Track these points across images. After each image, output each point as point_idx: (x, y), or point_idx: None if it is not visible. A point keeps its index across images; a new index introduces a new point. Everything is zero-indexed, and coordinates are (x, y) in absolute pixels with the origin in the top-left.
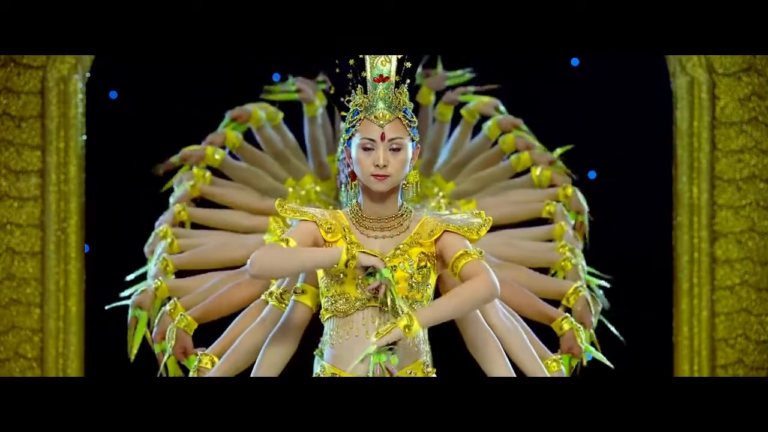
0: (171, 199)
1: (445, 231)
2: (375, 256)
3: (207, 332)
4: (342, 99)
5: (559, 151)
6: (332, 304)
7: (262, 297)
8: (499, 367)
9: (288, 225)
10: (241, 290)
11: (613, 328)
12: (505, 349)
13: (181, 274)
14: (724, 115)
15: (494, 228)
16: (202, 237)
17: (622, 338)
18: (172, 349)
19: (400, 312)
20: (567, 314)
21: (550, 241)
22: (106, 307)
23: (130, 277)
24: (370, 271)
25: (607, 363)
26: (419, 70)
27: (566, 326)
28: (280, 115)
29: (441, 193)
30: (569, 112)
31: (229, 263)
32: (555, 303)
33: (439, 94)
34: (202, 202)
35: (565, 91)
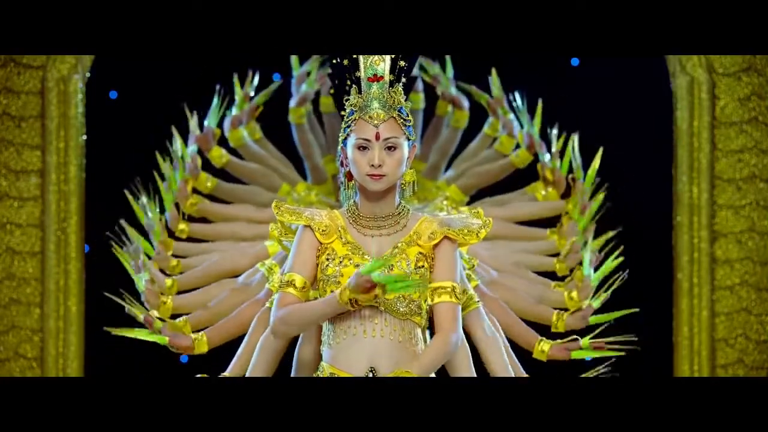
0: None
1: (445, 237)
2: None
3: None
4: (344, 98)
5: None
6: None
7: (267, 305)
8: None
9: (286, 228)
10: (252, 309)
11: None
12: (483, 357)
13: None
14: (724, 115)
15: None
16: (202, 252)
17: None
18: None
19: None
20: (542, 338)
21: (554, 255)
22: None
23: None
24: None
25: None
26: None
27: (546, 347)
28: (258, 133)
29: (444, 194)
30: (569, 113)
31: (233, 273)
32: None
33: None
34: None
35: (564, 92)
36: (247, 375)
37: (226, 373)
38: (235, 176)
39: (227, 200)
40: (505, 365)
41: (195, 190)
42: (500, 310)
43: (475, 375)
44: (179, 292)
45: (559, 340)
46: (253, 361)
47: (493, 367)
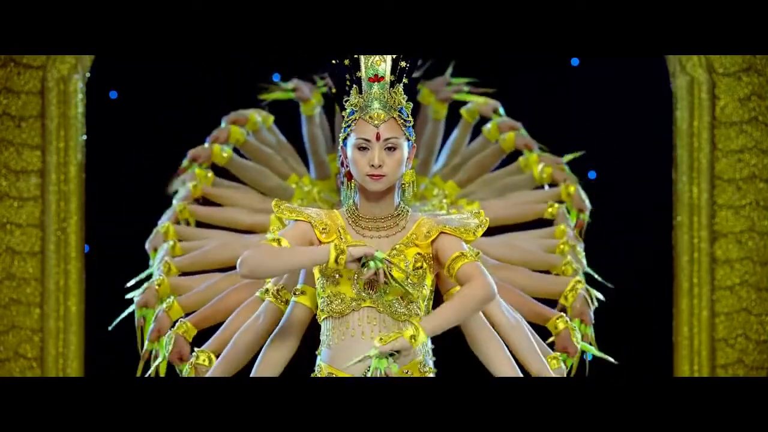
0: (174, 200)
1: (441, 233)
2: (364, 245)
3: (205, 332)
4: (344, 98)
5: (568, 157)
6: (328, 304)
7: (257, 294)
8: (504, 366)
9: (285, 225)
10: (238, 294)
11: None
12: (510, 345)
13: (183, 274)
14: (724, 115)
15: (497, 230)
16: (203, 238)
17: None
18: (169, 354)
19: (407, 287)
20: (562, 314)
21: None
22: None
23: (131, 283)
24: (363, 262)
25: (607, 358)
26: (418, 73)
27: (561, 325)
28: (271, 118)
29: (443, 192)
30: (569, 113)
31: (231, 263)
32: (553, 303)
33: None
34: (204, 201)
35: (564, 92)
36: (254, 374)
37: (204, 348)
38: (249, 157)
39: (237, 176)
40: (532, 348)
41: (211, 165)
42: (507, 291)
43: (508, 354)
44: (182, 274)
45: (572, 323)
46: (260, 361)
47: (521, 351)
